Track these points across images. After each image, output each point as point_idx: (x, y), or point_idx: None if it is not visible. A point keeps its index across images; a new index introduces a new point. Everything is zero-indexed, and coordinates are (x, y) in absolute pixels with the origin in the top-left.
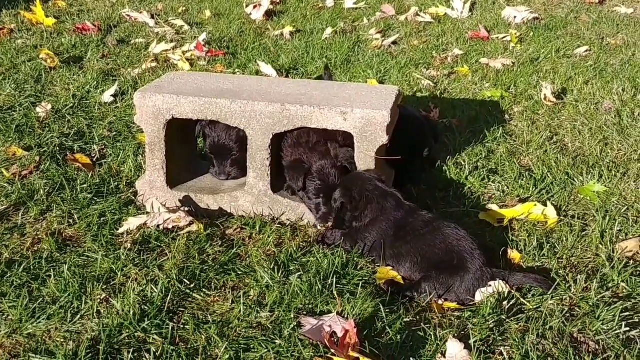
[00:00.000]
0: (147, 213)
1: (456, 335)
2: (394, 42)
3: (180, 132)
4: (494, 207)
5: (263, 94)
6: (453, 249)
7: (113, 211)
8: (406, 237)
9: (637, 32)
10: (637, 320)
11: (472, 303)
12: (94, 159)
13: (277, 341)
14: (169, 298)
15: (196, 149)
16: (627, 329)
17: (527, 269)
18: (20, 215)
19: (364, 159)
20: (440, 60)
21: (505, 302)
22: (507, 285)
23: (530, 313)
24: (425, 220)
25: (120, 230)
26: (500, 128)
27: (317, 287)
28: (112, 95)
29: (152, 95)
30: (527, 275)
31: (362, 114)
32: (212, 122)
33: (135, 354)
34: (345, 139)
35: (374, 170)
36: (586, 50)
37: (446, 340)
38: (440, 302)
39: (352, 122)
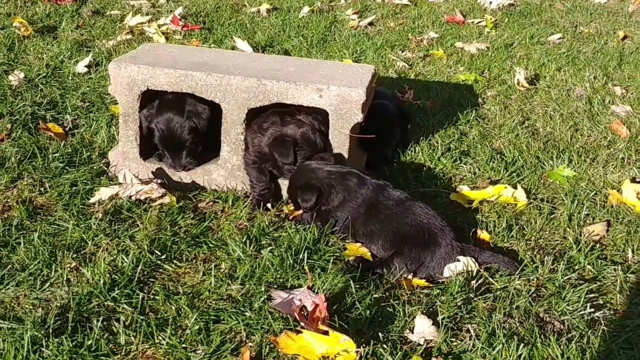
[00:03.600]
0: (119, 184)
1: (424, 311)
2: (371, 23)
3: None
4: (464, 188)
5: (239, 68)
6: (424, 226)
7: (85, 181)
8: (379, 215)
9: (609, 22)
10: (601, 302)
11: (440, 280)
12: (67, 129)
13: (247, 313)
14: (139, 268)
15: None
16: (592, 310)
17: (496, 250)
18: None
19: (338, 137)
20: (415, 43)
21: (473, 281)
22: (476, 263)
23: (498, 292)
24: (396, 198)
25: (92, 200)
26: (473, 111)
27: (288, 262)
28: (86, 66)
29: (127, 65)
30: (495, 255)
31: (337, 92)
32: (158, 113)
33: (105, 323)
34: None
35: (317, 156)
36: (559, 38)
37: (414, 317)
38: (410, 277)
39: (328, 99)
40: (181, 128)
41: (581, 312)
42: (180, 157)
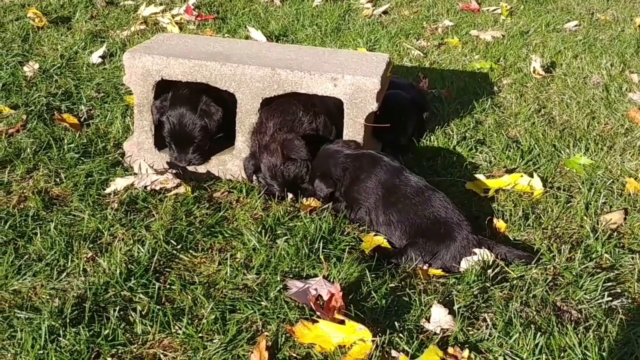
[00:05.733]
0: (135, 174)
1: (441, 301)
2: (385, 12)
3: None
4: (480, 177)
5: (253, 57)
6: (441, 220)
7: (100, 171)
8: (397, 204)
9: (626, 8)
10: (619, 291)
11: (457, 270)
12: (82, 119)
13: (263, 303)
14: (155, 258)
15: None
16: (609, 298)
17: (512, 239)
18: (6, 172)
19: (353, 126)
20: (430, 31)
21: (489, 270)
22: (492, 254)
23: (514, 281)
24: (414, 185)
25: (107, 191)
26: (489, 99)
27: (303, 251)
28: (100, 57)
29: (141, 55)
30: (512, 250)
31: (352, 80)
32: (172, 106)
33: (121, 312)
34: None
35: (342, 141)
36: (576, 25)
37: (431, 306)
38: (425, 267)
39: (342, 88)
40: (192, 125)
41: (599, 301)
42: (186, 152)
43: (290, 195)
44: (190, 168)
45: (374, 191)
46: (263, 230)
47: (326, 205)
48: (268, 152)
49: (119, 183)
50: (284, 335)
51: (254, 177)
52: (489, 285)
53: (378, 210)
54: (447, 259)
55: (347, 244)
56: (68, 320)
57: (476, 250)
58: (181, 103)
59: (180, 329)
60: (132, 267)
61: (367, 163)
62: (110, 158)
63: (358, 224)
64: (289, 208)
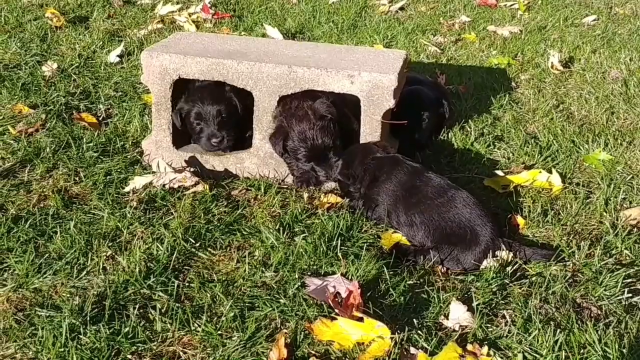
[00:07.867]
0: (153, 172)
1: (459, 297)
2: (401, 8)
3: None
4: (499, 173)
5: (270, 55)
6: (466, 223)
7: (119, 170)
8: (419, 205)
9: None
10: (639, 287)
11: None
12: (100, 118)
13: (281, 300)
14: (174, 256)
15: None
16: (630, 295)
17: (531, 236)
18: (26, 172)
19: (370, 123)
20: (447, 27)
21: (508, 268)
22: (513, 255)
23: (533, 278)
24: (436, 186)
25: (126, 189)
26: (507, 95)
27: (321, 249)
28: (117, 56)
29: (159, 54)
30: (537, 251)
31: (369, 77)
32: (198, 91)
33: (141, 310)
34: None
35: (381, 142)
36: (594, 19)
37: (449, 303)
38: (444, 269)
39: (359, 85)
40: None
41: (619, 297)
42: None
43: (306, 195)
44: (208, 166)
45: (393, 192)
46: (281, 228)
47: (344, 200)
48: (297, 119)
49: (137, 181)
50: (302, 333)
51: (284, 152)
52: (507, 282)
53: (398, 212)
54: (469, 263)
55: (365, 241)
56: (88, 318)
57: (497, 252)
58: (206, 89)
59: (199, 326)
60: (152, 265)
61: (387, 165)
62: (128, 157)
63: (375, 222)
64: (306, 206)
